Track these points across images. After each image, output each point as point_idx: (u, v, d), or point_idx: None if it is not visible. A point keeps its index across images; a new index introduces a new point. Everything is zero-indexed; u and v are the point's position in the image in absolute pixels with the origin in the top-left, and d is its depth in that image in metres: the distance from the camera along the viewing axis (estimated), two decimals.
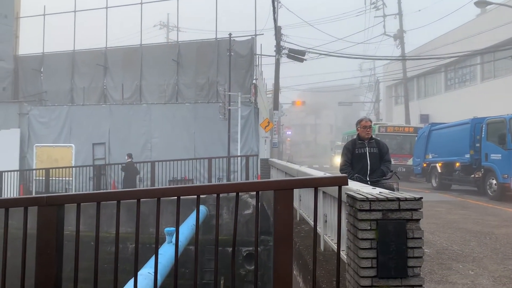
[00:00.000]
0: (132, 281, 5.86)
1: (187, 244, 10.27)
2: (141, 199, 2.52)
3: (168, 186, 2.77)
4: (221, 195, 2.54)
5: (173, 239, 8.75)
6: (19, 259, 2.53)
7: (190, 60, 19.77)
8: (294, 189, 2.51)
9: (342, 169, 6.10)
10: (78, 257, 2.53)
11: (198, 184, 15.15)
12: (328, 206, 4.64)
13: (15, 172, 16.88)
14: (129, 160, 15.87)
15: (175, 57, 19.79)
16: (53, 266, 2.51)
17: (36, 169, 16.52)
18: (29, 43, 24.82)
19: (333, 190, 4.26)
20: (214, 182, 15.93)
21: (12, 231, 2.53)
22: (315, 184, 2.61)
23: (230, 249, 12.37)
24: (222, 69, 18.85)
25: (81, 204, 2.53)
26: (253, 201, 13.50)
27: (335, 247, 4.49)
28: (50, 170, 15.82)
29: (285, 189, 2.44)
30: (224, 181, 16.00)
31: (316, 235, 2.56)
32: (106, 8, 20.95)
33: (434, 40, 30.80)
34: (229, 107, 16.40)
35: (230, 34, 17.91)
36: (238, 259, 12.54)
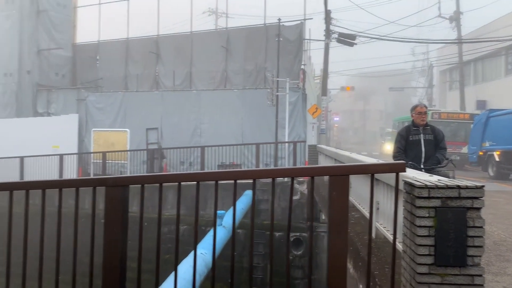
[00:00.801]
0: (186, 259, 6.11)
1: (237, 227, 10.49)
2: (200, 182, 2.62)
3: (224, 170, 2.86)
4: (267, 180, 2.60)
5: (223, 222, 8.98)
6: (83, 235, 2.72)
7: (238, 47, 19.89)
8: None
9: (395, 156, 5.98)
10: (142, 235, 2.68)
11: (245, 169, 15.27)
12: (380, 193, 4.58)
13: (74, 155, 17.86)
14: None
15: (224, 44, 19.97)
16: (119, 242, 2.67)
17: (93, 153, 17.39)
18: (86, 31, 25.91)
19: (387, 177, 4.20)
20: (261, 167, 16.09)
21: (72, 210, 2.71)
22: (371, 170, 2.59)
23: (277, 234, 12.53)
24: (270, 55, 18.81)
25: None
26: (300, 187, 13.53)
27: (387, 234, 4.44)
28: (107, 153, 16.60)
29: (341, 175, 2.45)
30: (272, 167, 16.11)
31: (372, 224, 2.56)
32: None
33: (494, 22, 28.98)
34: (277, 93, 16.39)
35: (279, 20, 17.80)
36: (285, 244, 12.65)
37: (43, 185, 2.73)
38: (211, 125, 18.42)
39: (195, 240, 2.77)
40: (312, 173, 2.58)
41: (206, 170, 15.85)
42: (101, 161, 16.59)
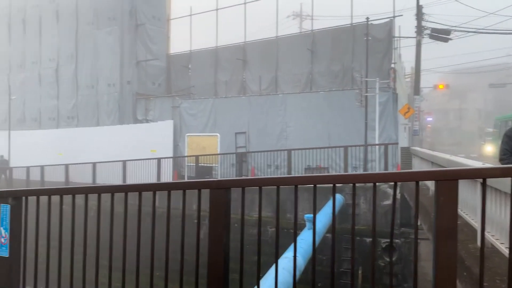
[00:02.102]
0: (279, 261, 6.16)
1: (325, 231, 10.38)
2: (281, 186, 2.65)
3: (305, 175, 2.86)
4: (357, 184, 2.53)
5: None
6: (175, 234, 2.88)
7: (324, 48, 19.72)
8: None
9: (502, 159, 5.49)
10: (244, 237, 2.78)
11: (333, 172, 15.15)
12: (488, 199, 4.24)
13: (170, 159, 19.02)
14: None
15: (309, 46, 19.94)
16: (222, 240, 2.80)
17: (187, 156, 18.38)
18: (178, 42, 27.49)
19: (493, 181, 3.89)
20: (350, 171, 15.73)
21: (172, 211, 2.89)
22: (483, 175, 2.42)
23: (368, 240, 12.16)
24: (358, 55, 18.36)
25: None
26: (392, 192, 12.98)
27: (496, 242, 4.11)
28: (199, 157, 17.45)
29: (449, 180, 2.32)
30: (361, 171, 15.68)
31: (484, 233, 2.38)
32: (245, 4, 22.05)
33: None
34: (366, 94, 15.94)
35: (367, 18, 17.32)
36: (376, 250, 12.24)
37: (154, 188, 2.96)
38: (297, 128, 18.46)
39: (276, 243, 2.80)
40: (416, 177, 2.48)
41: (292, 173, 15.94)
42: (194, 164, 17.47)
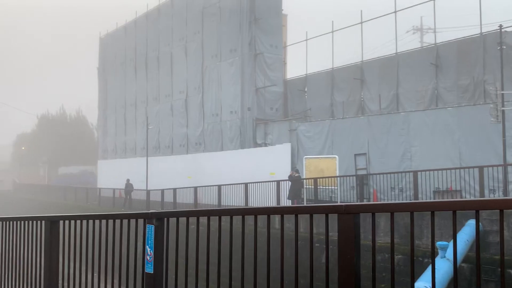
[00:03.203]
0: None
1: (461, 261, 9.42)
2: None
3: (442, 200, 2.62)
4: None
5: (446, 254, 8.19)
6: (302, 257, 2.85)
7: (450, 61, 18.39)
8: None
9: None
10: (375, 264, 2.66)
11: (468, 196, 13.75)
12: None
13: (288, 182, 19.22)
14: (297, 175, 18.03)
15: (433, 60, 18.77)
16: (353, 267, 2.71)
17: (306, 179, 18.43)
18: (295, 66, 28.18)
19: None
20: (486, 194, 14.14)
21: (288, 232, 2.88)
22: None
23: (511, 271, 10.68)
24: (490, 66, 16.73)
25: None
26: None
27: None
28: (318, 179, 17.36)
29: None
30: (499, 193, 14.01)
31: None
32: (361, 23, 21.78)
33: None
34: (502, 108, 14.33)
35: (500, 26, 15.74)
36: None
37: (282, 211, 3.02)
38: (423, 147, 17.30)
39: (412, 272, 2.59)
40: None
41: (420, 196, 14.90)
42: (312, 187, 17.43)
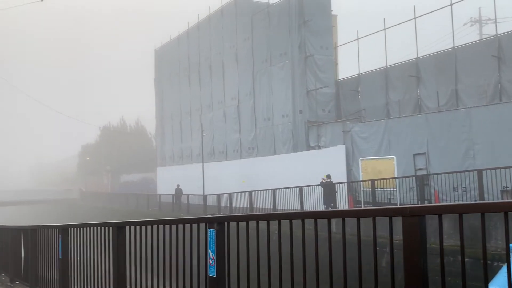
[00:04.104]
0: None
1: None
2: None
3: None
4: None
5: None
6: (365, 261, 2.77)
7: None
8: None
9: None
10: (444, 268, 2.55)
11: None
12: None
13: (344, 184, 18.90)
14: (328, 180, 18.05)
15: (494, 53, 17.73)
16: (419, 272, 2.62)
17: (362, 181, 18.01)
18: (346, 67, 27.72)
19: None
20: None
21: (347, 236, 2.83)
22: None
23: None
24: None
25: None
26: None
27: None
28: (375, 181, 16.90)
29: None
30: None
31: None
32: (415, 18, 21.03)
33: None
34: None
35: None
36: None
37: (343, 214, 2.98)
38: (487, 145, 16.34)
39: (485, 276, 2.45)
40: None
41: (485, 197, 14.08)
42: (370, 189, 17.00)
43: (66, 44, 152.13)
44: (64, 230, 6.16)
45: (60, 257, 6.17)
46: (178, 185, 29.20)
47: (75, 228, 5.89)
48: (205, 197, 25.37)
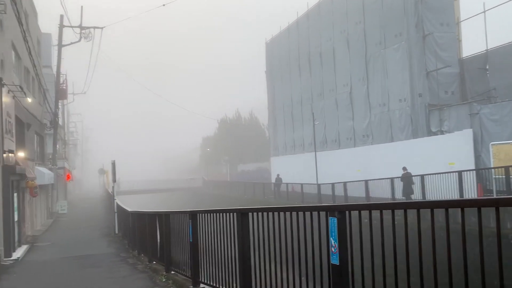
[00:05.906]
0: None
1: None
2: None
3: None
4: None
5: None
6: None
7: None
8: None
9: None
10: None
11: None
12: None
13: (471, 172, 17.25)
14: (405, 172, 18.64)
15: None
16: None
17: (493, 168, 16.27)
18: (472, 43, 25.16)
19: None
20: None
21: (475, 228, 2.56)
22: None
23: None
24: None
25: None
26: None
27: None
28: (510, 168, 15.13)
29: None
30: None
31: None
32: None
33: None
34: None
35: None
36: None
37: (476, 203, 2.75)
38: None
39: None
40: None
41: None
42: (504, 176, 15.27)
43: (191, 44, 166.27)
44: (193, 215, 6.69)
45: (191, 240, 6.73)
46: (278, 175, 31.16)
47: (202, 214, 6.36)
48: (318, 186, 25.34)
